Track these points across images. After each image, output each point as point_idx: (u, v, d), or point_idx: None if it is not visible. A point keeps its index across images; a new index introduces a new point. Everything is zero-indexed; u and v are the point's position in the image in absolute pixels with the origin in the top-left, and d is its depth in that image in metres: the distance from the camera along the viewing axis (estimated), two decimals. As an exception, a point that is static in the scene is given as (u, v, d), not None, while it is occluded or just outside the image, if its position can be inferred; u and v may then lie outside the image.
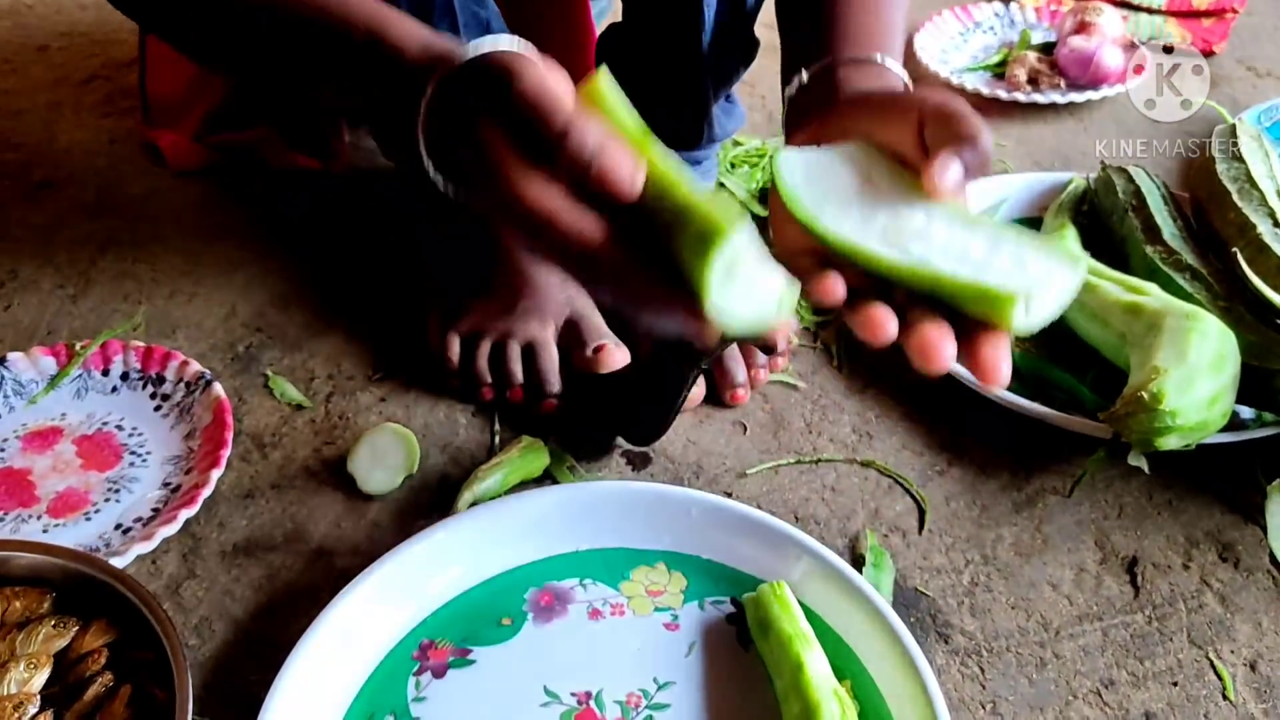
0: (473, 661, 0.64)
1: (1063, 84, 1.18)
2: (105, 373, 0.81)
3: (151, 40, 1.08)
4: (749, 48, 0.88)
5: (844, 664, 0.62)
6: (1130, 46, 1.22)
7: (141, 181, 1.06)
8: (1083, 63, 1.16)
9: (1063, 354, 0.83)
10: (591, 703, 0.62)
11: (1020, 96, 1.15)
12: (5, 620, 0.57)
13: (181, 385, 0.80)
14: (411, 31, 0.53)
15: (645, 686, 0.63)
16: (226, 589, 0.68)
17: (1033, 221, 0.99)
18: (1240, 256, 0.78)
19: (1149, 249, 0.86)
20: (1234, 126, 0.94)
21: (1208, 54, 1.27)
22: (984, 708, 0.62)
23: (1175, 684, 0.64)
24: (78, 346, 0.82)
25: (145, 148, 1.10)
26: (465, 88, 0.48)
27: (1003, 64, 1.23)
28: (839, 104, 0.60)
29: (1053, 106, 1.15)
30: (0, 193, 1.05)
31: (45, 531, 0.71)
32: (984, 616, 0.67)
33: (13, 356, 0.81)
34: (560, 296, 0.82)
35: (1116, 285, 0.81)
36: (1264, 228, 0.82)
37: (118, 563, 0.66)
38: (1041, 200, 1.00)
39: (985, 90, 1.16)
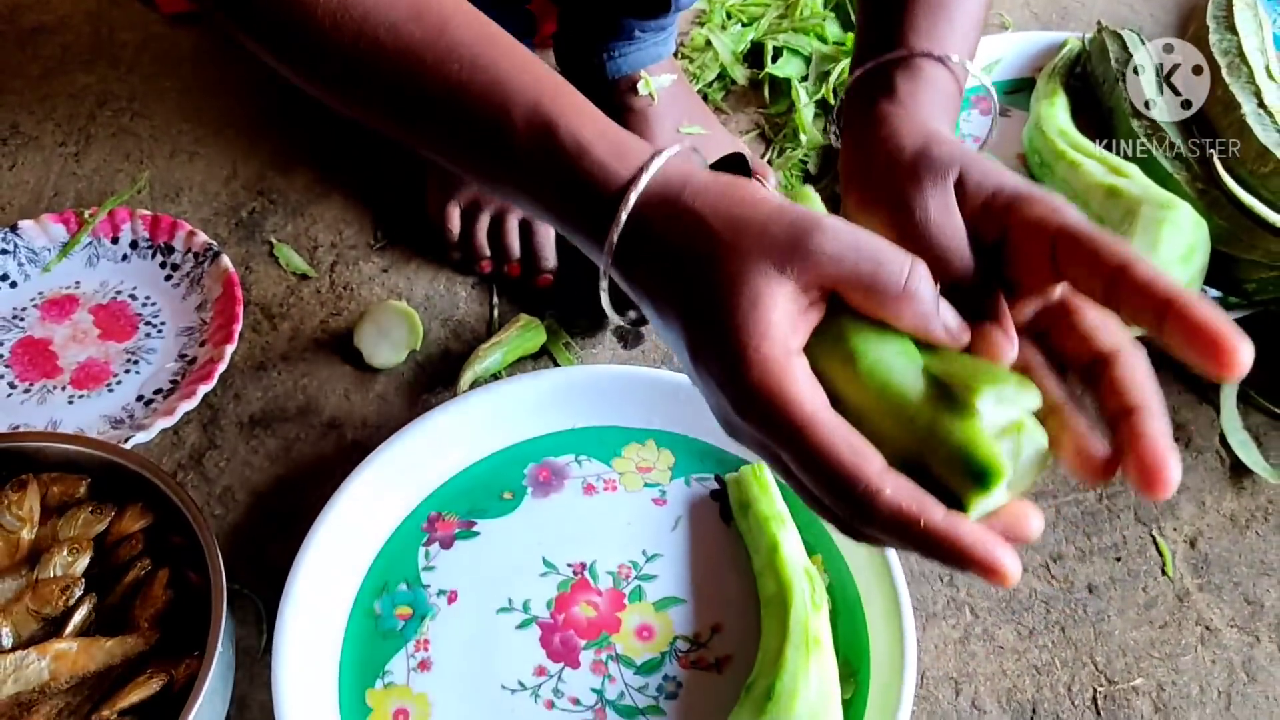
0: (477, 533, 0.69)
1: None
2: (115, 240, 0.83)
3: None
4: None
5: (815, 540, 0.67)
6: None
7: (133, 28, 1.04)
8: (1090, -96, 1.13)
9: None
10: (586, 573, 0.67)
11: (1023, -60, 1.12)
12: (45, 504, 0.61)
13: (190, 256, 0.82)
14: (579, 142, 0.44)
15: (634, 559, 0.68)
16: (246, 460, 0.73)
17: (1026, 82, 0.99)
18: (1216, 157, 0.78)
19: (1135, 122, 0.87)
20: (1231, -8, 0.92)
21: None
22: (941, 580, 0.68)
23: (1119, 559, 0.69)
24: (86, 214, 0.83)
25: (138, -10, 1.07)
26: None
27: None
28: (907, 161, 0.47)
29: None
30: (-9, 36, 1.03)
31: (70, 403, 0.75)
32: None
33: (24, 224, 0.82)
34: None
35: (1099, 165, 0.83)
36: (1248, 108, 0.83)
37: (142, 437, 0.71)
38: (1036, 61, 1.00)
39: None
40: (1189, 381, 0.78)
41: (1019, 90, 0.99)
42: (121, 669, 0.56)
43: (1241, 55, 0.87)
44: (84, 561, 0.59)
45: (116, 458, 0.61)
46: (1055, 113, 0.90)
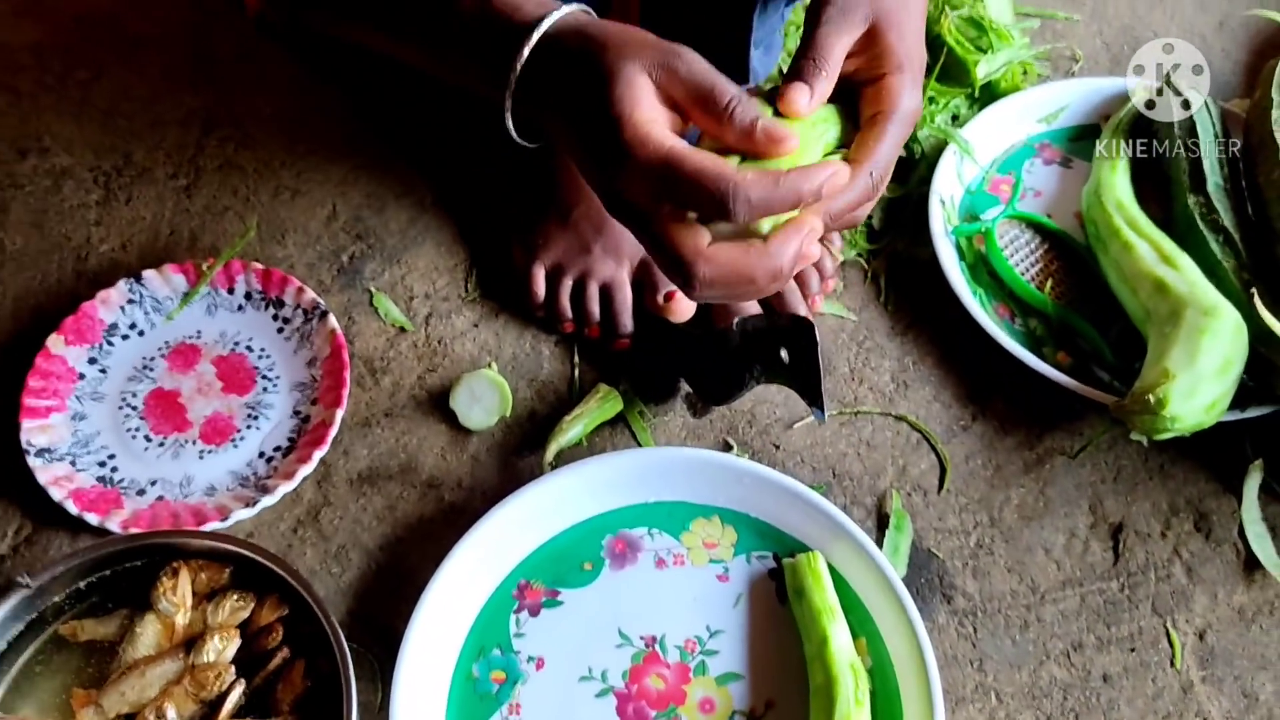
0: (561, 602, 0.78)
1: (1149, -57, 1.13)
2: (230, 291, 0.90)
3: None
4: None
5: (861, 623, 0.75)
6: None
7: (230, 41, 1.08)
8: (1173, -78, 1.11)
9: (1092, 301, 0.90)
10: (656, 646, 0.76)
11: (1102, -38, 1.11)
12: (194, 590, 0.70)
13: (300, 311, 0.89)
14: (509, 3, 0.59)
15: (699, 633, 0.76)
16: (356, 518, 0.81)
17: (1091, 129, 1.01)
18: (1257, 295, 0.81)
19: (1191, 198, 0.90)
20: (1302, 57, 0.93)
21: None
22: (972, 665, 0.76)
23: (1133, 650, 0.77)
24: (204, 265, 0.90)
25: (227, -8, 1.11)
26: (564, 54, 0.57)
27: (1091, -93, 1.17)
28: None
29: (1133, -25, 1.12)
30: (97, 51, 1.08)
31: (201, 458, 0.83)
32: (984, 579, 0.79)
33: (147, 275, 0.89)
34: (630, 239, 0.88)
35: (1152, 250, 0.86)
36: (1303, 200, 0.85)
37: (267, 500, 0.79)
38: (1103, 109, 1.02)
39: (1067, -50, 1.12)
40: (1215, 470, 0.83)
41: (1084, 138, 1.01)
42: (267, 750, 0.66)
43: (1302, 136, 0.88)
44: (233, 648, 0.68)
45: (254, 555, 0.70)
46: (1115, 180, 0.92)
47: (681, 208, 0.54)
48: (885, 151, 0.60)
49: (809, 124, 0.59)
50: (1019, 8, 1.10)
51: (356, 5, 0.68)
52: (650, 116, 0.54)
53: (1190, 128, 0.93)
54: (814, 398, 0.73)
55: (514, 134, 0.62)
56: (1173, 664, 0.76)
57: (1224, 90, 1.05)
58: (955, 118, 1.01)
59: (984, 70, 1.01)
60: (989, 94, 1.02)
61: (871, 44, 0.62)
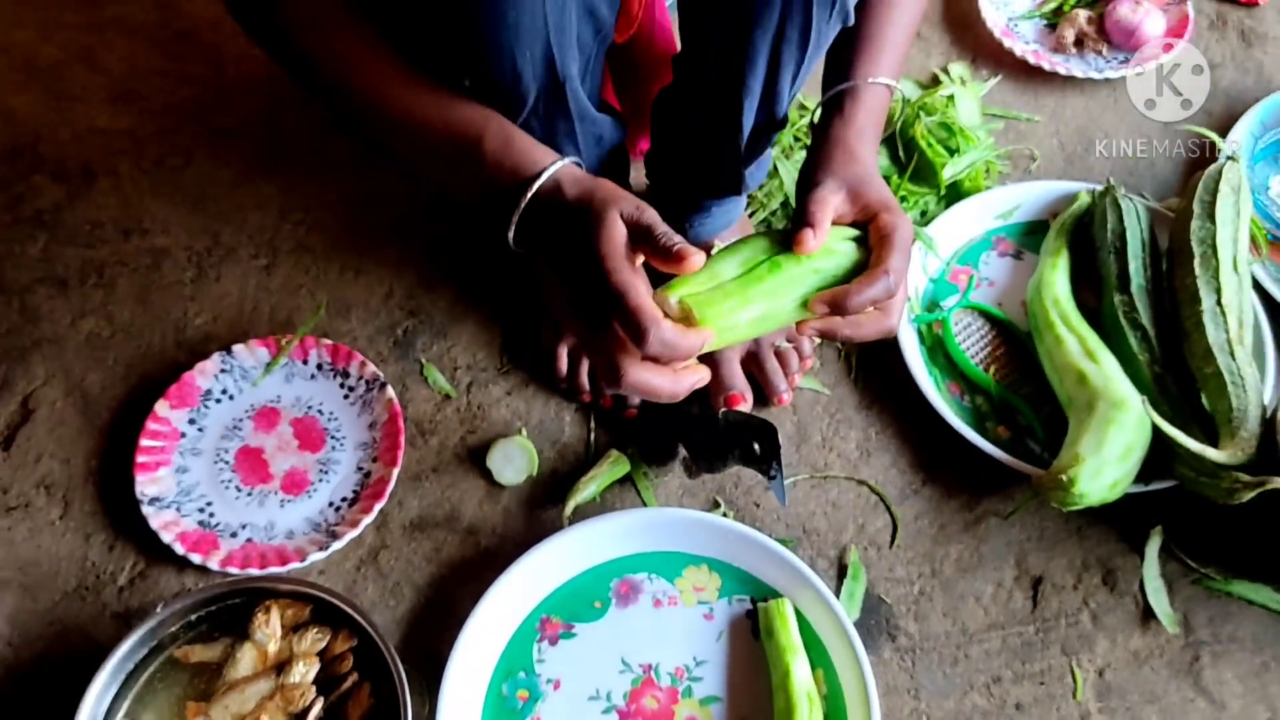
0: (575, 634, 0.95)
1: (1104, 49, 1.27)
2: (305, 362, 1.07)
3: None
4: (779, 126, 1.02)
5: (819, 658, 0.92)
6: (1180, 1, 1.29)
7: (302, 132, 1.24)
8: (1125, 31, 1.26)
9: (1030, 383, 1.06)
10: (651, 673, 0.93)
11: (1059, 69, 1.26)
12: (284, 624, 0.88)
13: (363, 381, 1.06)
14: (496, 151, 0.74)
15: (687, 663, 0.93)
16: (408, 559, 0.99)
17: (1042, 224, 1.16)
18: (1148, 401, 0.96)
19: (1118, 297, 1.05)
20: (1221, 171, 1.07)
21: (1253, 3, 1.33)
22: (909, 693, 0.93)
23: (1043, 683, 0.93)
24: (283, 341, 1.07)
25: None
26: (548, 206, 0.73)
27: (1059, 11, 1.31)
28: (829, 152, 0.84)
29: (1087, 80, 1.26)
30: (186, 139, 1.25)
31: (281, 506, 1.01)
32: (923, 621, 0.95)
33: (236, 348, 1.07)
34: None
35: (1078, 344, 1.01)
36: (1207, 304, 1.00)
37: (337, 545, 0.97)
38: (1052, 207, 1.16)
39: (1029, 55, 1.27)
40: (1123, 533, 0.99)
41: (1035, 232, 1.16)
42: (342, 753, 0.84)
43: (1214, 247, 1.03)
44: (314, 671, 0.86)
45: (330, 597, 0.87)
46: (1055, 277, 1.07)
47: (622, 328, 0.70)
48: (896, 262, 0.77)
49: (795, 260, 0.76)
50: (986, 109, 1.25)
51: (383, 139, 0.82)
52: (621, 256, 0.69)
53: (1121, 233, 1.08)
54: (771, 474, 0.89)
55: (512, 247, 0.78)
56: (1075, 696, 0.92)
57: (1163, 189, 1.20)
58: (924, 213, 1.16)
59: (950, 171, 1.16)
60: (955, 192, 1.17)
61: (856, 201, 0.80)
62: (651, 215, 0.71)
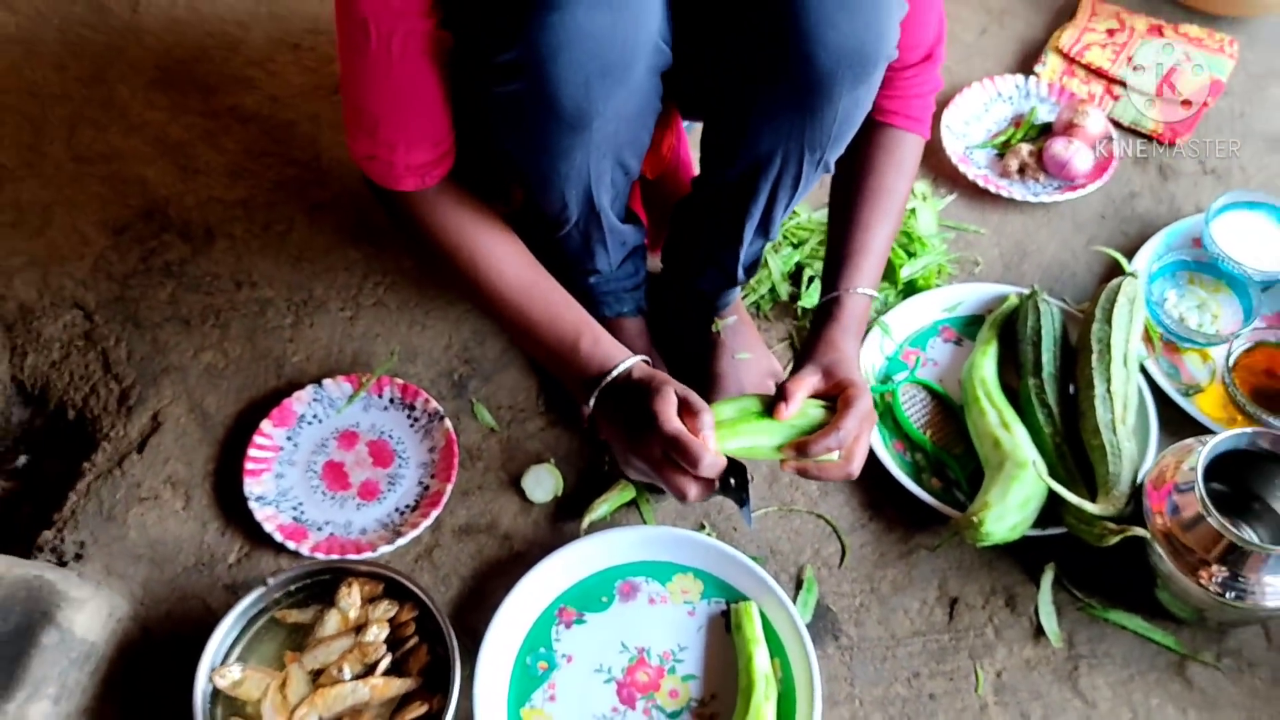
0: (585, 621, 1.19)
1: (1043, 177, 1.54)
2: (380, 396, 1.33)
3: (340, 61, 1.47)
4: (770, 240, 1.27)
5: (776, 649, 1.16)
6: (1107, 139, 1.56)
7: (382, 212, 1.51)
8: (1059, 164, 1.53)
9: (959, 445, 1.31)
10: (644, 654, 1.17)
11: (1004, 190, 1.52)
12: (362, 596, 1.13)
13: (426, 414, 1.31)
14: (589, 352, 1.05)
15: (673, 648, 1.17)
16: (456, 556, 1.24)
17: (979, 319, 1.42)
18: (1039, 465, 1.22)
19: (1032, 380, 1.30)
20: (1121, 285, 1.33)
21: (1170, 143, 1.60)
22: (845, 681, 1.16)
23: (951, 680, 1.17)
24: (364, 378, 1.33)
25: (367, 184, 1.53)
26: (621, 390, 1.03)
27: (1006, 144, 1.58)
28: (819, 345, 1.10)
29: (1027, 203, 1.53)
30: (289, 209, 1.52)
31: (357, 509, 1.26)
32: (861, 627, 1.20)
33: (327, 382, 1.32)
34: None
35: (996, 416, 1.26)
36: (1099, 390, 1.25)
37: (401, 541, 1.21)
38: (988, 305, 1.42)
39: (979, 177, 1.54)
40: (1024, 567, 1.23)
41: (973, 324, 1.41)
42: (402, 698, 1.08)
43: (1109, 346, 1.28)
44: (384, 634, 1.10)
45: (399, 577, 1.12)
46: (984, 362, 1.33)
47: (673, 464, 0.98)
48: (849, 423, 1.02)
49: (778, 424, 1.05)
50: (942, 220, 1.51)
51: (488, 316, 1.14)
52: (673, 412, 0.98)
53: (1038, 329, 1.33)
54: (742, 503, 1.14)
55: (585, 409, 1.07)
56: (976, 691, 1.16)
57: (1081, 294, 1.45)
58: (885, 303, 1.42)
59: (908, 271, 1.42)
60: (910, 288, 1.43)
61: (830, 379, 1.07)
62: (695, 396, 1.01)
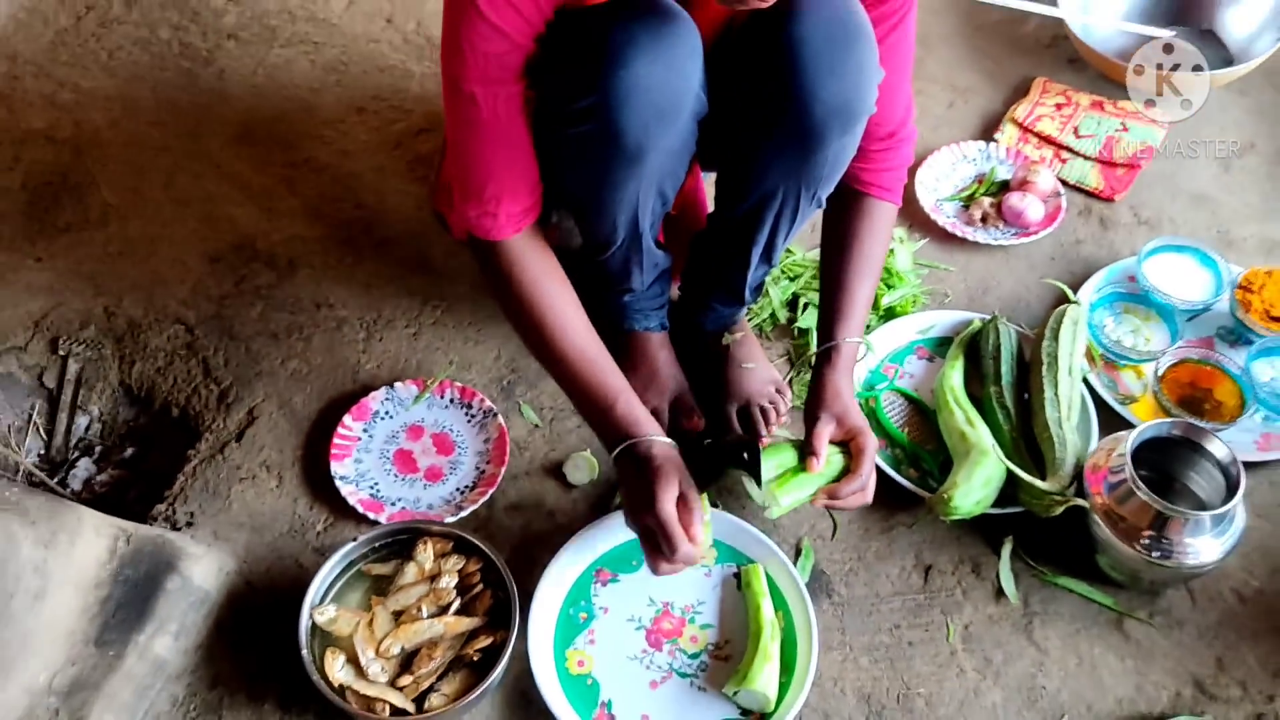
0: (619, 580, 1.40)
1: (1001, 225, 1.80)
2: (442, 397, 1.55)
3: (449, 138, 1.72)
4: (772, 266, 1.51)
5: (779, 604, 1.37)
6: (1056, 194, 1.82)
7: (441, 245, 1.75)
8: (1015, 214, 1.78)
9: (931, 442, 1.54)
10: (669, 607, 1.38)
11: (969, 235, 1.78)
12: (435, 551, 1.34)
13: (481, 412, 1.54)
14: (623, 415, 1.25)
15: (692, 602, 1.38)
16: (508, 528, 1.45)
17: (948, 340, 1.66)
18: (1001, 452, 1.45)
19: (993, 387, 1.54)
20: (1066, 310, 1.57)
21: (1109, 199, 1.86)
22: (837, 630, 1.37)
23: (926, 630, 1.38)
24: (429, 381, 1.56)
25: (435, 215, 1.78)
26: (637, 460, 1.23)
27: (971, 198, 1.84)
28: (826, 394, 1.35)
29: (988, 245, 1.78)
30: (359, 244, 1.76)
31: (425, 488, 1.47)
32: (850, 588, 1.41)
33: (397, 385, 1.55)
34: (671, 384, 1.53)
35: (963, 416, 1.49)
36: (1048, 394, 1.49)
37: (463, 513, 1.43)
38: (956, 329, 1.66)
39: (949, 224, 1.79)
40: (987, 540, 1.45)
41: (943, 345, 1.65)
42: (469, 633, 1.29)
43: (1056, 359, 1.52)
44: (454, 582, 1.31)
45: (466, 535, 1.34)
46: (951, 374, 1.56)
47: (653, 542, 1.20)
48: (866, 467, 1.30)
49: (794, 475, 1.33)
50: (917, 260, 1.76)
51: (519, 331, 1.34)
52: (671, 500, 1.18)
53: (998, 347, 1.57)
54: (756, 479, 1.36)
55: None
56: (947, 639, 1.37)
57: (1034, 320, 1.68)
58: (869, 327, 1.66)
59: (888, 300, 1.67)
60: (890, 313, 1.67)
61: (842, 426, 1.32)
62: (691, 488, 1.22)
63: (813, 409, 1.35)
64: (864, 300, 1.38)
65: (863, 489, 1.32)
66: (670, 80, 1.10)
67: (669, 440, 1.25)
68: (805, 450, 1.32)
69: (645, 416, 1.26)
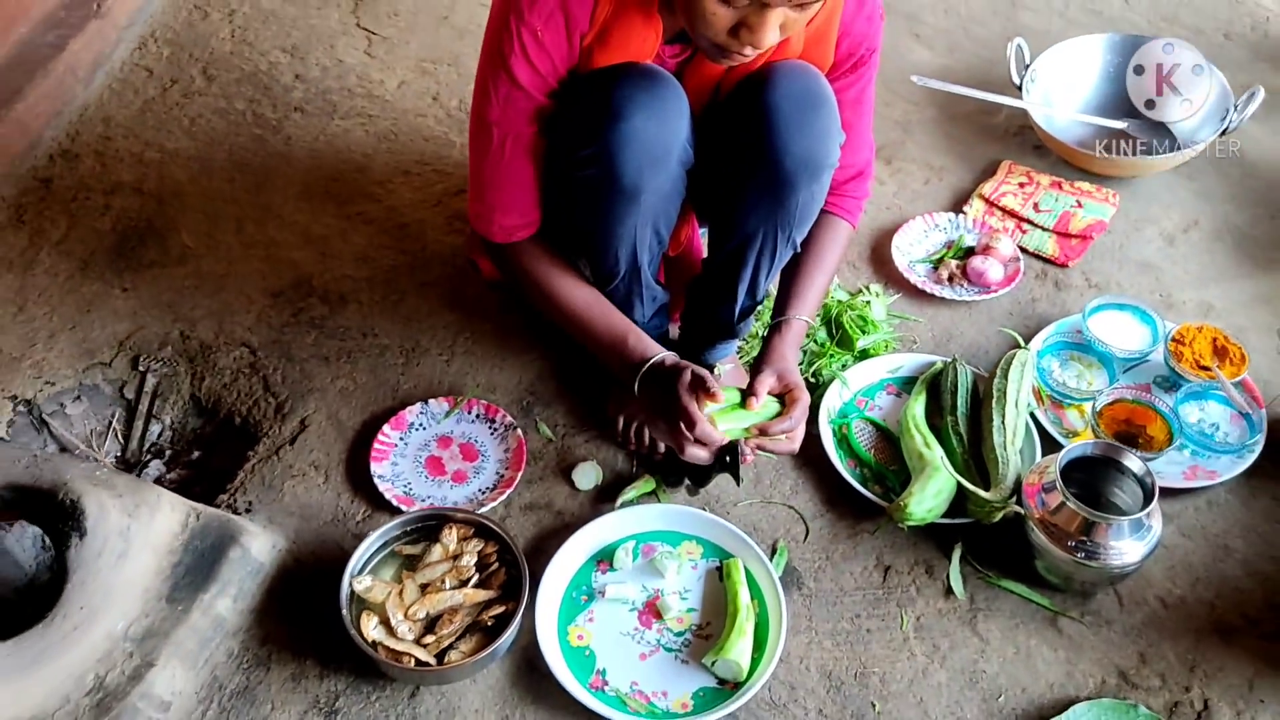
0: (617, 570, 1.60)
1: (966, 284, 2.02)
2: (469, 412, 1.77)
3: (470, 154, 1.95)
4: (759, 303, 1.73)
5: (755, 593, 1.56)
6: (1015, 259, 2.05)
7: (473, 287, 1.98)
8: (978, 274, 2.01)
9: (894, 463, 1.74)
10: (660, 594, 1.58)
11: (937, 292, 2.00)
12: (458, 535, 1.55)
13: (502, 426, 1.76)
14: (635, 345, 1.49)
15: (680, 590, 1.58)
16: (523, 523, 1.65)
17: (913, 379, 1.87)
18: (953, 469, 1.66)
19: (949, 418, 1.74)
20: (1015, 354, 1.79)
21: (1064, 265, 2.09)
22: (805, 618, 1.56)
23: (883, 620, 1.57)
24: (459, 399, 1.78)
25: (469, 261, 2.02)
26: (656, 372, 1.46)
27: (940, 261, 2.07)
28: (770, 354, 1.56)
29: (953, 301, 2.00)
30: (401, 285, 2.00)
31: (451, 488, 1.68)
32: (818, 582, 1.60)
33: (431, 401, 1.77)
34: None
35: (922, 439, 1.70)
36: (996, 423, 1.69)
37: (485, 509, 1.64)
38: (920, 370, 1.87)
39: (920, 282, 2.01)
40: (939, 545, 1.64)
41: (910, 383, 1.87)
42: (485, 602, 1.49)
43: (1004, 394, 1.73)
44: (474, 560, 1.52)
45: (486, 521, 1.54)
46: (915, 406, 1.77)
47: (685, 426, 1.43)
48: (796, 414, 1.49)
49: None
50: (890, 312, 1.98)
51: (560, 325, 1.58)
52: (689, 392, 1.42)
53: (955, 384, 1.78)
54: (735, 477, 1.56)
55: (635, 390, 1.51)
56: (901, 628, 1.56)
57: (988, 362, 1.89)
58: (844, 365, 1.87)
59: (863, 343, 1.88)
60: (864, 355, 1.89)
61: (782, 380, 1.51)
62: (706, 373, 1.45)
63: (758, 365, 1.56)
64: (816, 291, 1.61)
65: (790, 433, 1.51)
66: (661, 132, 1.35)
67: (674, 354, 1.50)
68: (746, 393, 1.50)
69: (653, 344, 1.51)
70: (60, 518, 1.41)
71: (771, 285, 1.69)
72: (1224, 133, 2.17)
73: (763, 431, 1.49)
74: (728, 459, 1.54)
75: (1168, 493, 1.67)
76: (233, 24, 2.53)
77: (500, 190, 1.48)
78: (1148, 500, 1.50)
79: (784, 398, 1.52)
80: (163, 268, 2.01)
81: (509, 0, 1.32)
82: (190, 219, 2.10)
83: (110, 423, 1.83)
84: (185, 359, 1.87)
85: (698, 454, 1.45)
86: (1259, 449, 1.74)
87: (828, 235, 1.62)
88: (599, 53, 1.35)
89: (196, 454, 1.81)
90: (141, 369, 1.85)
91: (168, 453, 1.82)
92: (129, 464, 1.80)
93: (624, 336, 1.51)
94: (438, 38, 2.53)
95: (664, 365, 1.48)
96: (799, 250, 1.59)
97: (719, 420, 1.48)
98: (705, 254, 1.71)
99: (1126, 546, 1.50)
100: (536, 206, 1.52)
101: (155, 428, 1.83)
